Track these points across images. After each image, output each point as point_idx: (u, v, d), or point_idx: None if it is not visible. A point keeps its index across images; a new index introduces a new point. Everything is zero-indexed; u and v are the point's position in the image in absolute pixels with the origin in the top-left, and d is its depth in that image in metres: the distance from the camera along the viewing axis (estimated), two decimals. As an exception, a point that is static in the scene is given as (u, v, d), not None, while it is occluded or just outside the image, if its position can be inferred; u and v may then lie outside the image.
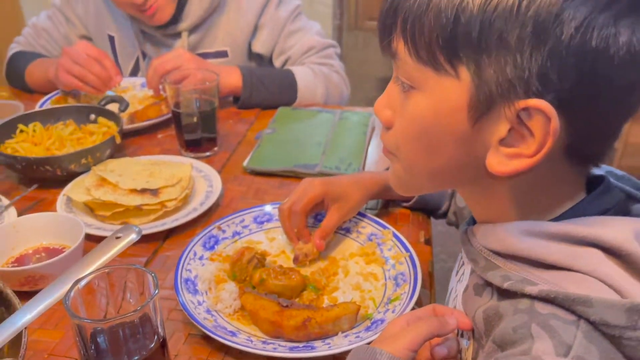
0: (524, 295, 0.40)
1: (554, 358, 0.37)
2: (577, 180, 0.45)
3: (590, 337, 0.37)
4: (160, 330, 0.47)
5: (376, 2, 3.97)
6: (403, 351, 0.46)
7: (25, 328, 0.46)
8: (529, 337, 0.38)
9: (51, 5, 1.25)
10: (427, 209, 0.81)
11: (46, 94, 1.14)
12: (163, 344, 0.47)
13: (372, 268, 0.68)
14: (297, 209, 0.70)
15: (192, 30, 1.18)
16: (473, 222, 0.51)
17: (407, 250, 0.68)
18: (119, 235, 0.53)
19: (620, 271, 0.40)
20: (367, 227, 0.74)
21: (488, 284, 0.45)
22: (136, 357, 0.45)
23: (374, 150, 0.98)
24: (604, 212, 0.44)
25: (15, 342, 0.46)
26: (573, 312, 0.38)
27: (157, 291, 0.45)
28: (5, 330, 0.46)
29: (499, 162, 0.41)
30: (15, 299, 0.49)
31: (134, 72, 1.24)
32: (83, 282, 0.45)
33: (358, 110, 1.12)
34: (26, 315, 0.46)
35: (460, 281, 0.53)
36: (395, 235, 0.71)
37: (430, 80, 0.42)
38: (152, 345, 0.46)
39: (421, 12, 0.41)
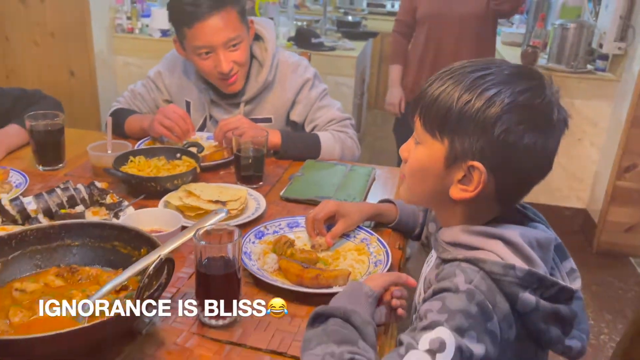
0: (456, 259, 0.75)
1: (463, 283, 0.70)
2: (501, 207, 0.79)
3: (484, 278, 0.71)
4: (237, 262, 0.84)
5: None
6: (376, 288, 0.84)
7: (163, 257, 0.84)
8: (453, 275, 0.72)
9: (146, 77, 1.72)
10: (403, 231, 1.19)
11: (138, 139, 1.58)
12: (238, 271, 0.85)
13: (361, 257, 1.05)
14: (317, 217, 1.08)
15: (248, 101, 1.62)
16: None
17: (384, 247, 1.06)
18: (217, 213, 0.92)
19: (507, 251, 0.74)
20: (362, 234, 1.12)
21: (442, 261, 0.79)
22: (224, 271, 0.83)
23: (372, 191, 1.37)
24: (512, 222, 0.78)
25: (160, 269, 0.82)
26: (477, 266, 0.72)
27: (238, 238, 0.83)
28: (150, 257, 0.84)
29: (456, 192, 0.77)
30: (158, 241, 0.87)
31: (201, 129, 1.68)
32: (202, 230, 0.83)
33: (364, 166, 1.52)
34: (165, 249, 0.85)
35: (428, 264, 0.90)
36: (378, 239, 1.09)
37: (429, 141, 0.78)
38: (234, 269, 0.84)
39: (430, 105, 0.76)
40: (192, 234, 0.85)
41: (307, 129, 1.64)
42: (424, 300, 0.74)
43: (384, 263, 1.02)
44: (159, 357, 0.78)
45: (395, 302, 0.88)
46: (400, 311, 0.88)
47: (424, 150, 0.79)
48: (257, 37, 1.62)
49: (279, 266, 0.98)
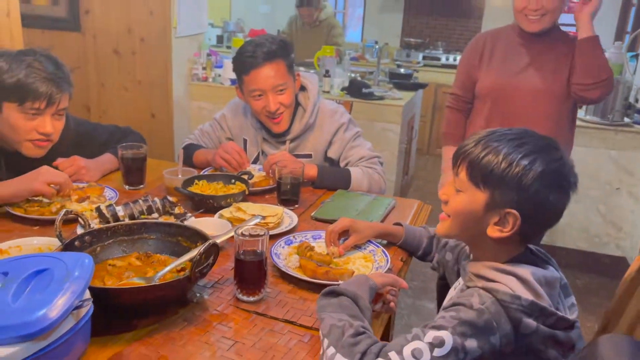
0: (476, 286, 0.96)
1: (477, 303, 0.90)
2: (522, 246, 1.01)
3: (494, 303, 0.90)
4: (264, 255, 1.13)
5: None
6: (378, 283, 1.10)
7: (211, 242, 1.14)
8: (471, 296, 0.93)
9: (213, 118, 2.10)
10: (408, 250, 1.44)
11: (203, 168, 1.93)
12: (265, 262, 1.14)
13: (367, 263, 1.31)
14: (334, 230, 1.36)
15: (293, 140, 1.95)
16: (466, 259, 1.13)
17: (386, 256, 1.31)
18: (254, 217, 1.22)
19: (519, 285, 0.93)
20: (371, 246, 1.38)
21: (467, 287, 0.99)
22: (255, 260, 1.12)
23: (390, 217, 1.64)
24: (526, 262, 0.98)
25: (208, 252, 1.13)
26: (491, 294, 0.92)
27: (267, 234, 1.12)
28: (204, 245, 1.15)
29: (493, 232, 0.97)
30: (209, 237, 1.18)
31: (255, 161, 2.01)
32: (241, 229, 1.14)
33: (387, 197, 1.79)
34: (216, 239, 1.15)
35: (454, 288, 1.14)
36: (383, 251, 1.35)
37: (471, 190, 0.98)
38: (262, 259, 1.13)
39: (476, 163, 0.97)
40: (234, 231, 1.15)
41: (341, 164, 1.94)
42: (443, 309, 0.97)
43: (383, 269, 1.27)
44: (204, 317, 1.08)
45: (390, 297, 1.14)
46: (392, 305, 1.14)
47: (466, 197, 1.00)
48: (303, 88, 1.96)
49: (299, 264, 1.26)
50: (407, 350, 0.88)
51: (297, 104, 1.94)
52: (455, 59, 5.62)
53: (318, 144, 1.95)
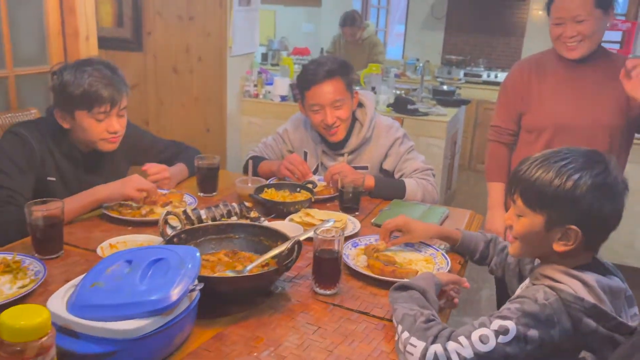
0: (542, 285, 1.04)
1: (541, 298, 0.99)
2: (588, 253, 1.09)
3: (557, 300, 0.99)
4: (339, 253, 1.27)
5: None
6: (442, 280, 1.22)
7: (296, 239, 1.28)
8: (536, 291, 1.01)
9: (275, 132, 2.26)
10: (464, 253, 1.54)
11: (266, 179, 2.09)
12: (340, 259, 1.27)
13: (428, 265, 1.43)
14: (387, 226, 1.46)
15: (350, 153, 2.09)
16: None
17: (446, 259, 1.43)
18: (328, 221, 1.37)
19: (583, 290, 1.01)
20: (430, 250, 1.50)
21: (533, 285, 1.08)
22: (331, 257, 1.25)
23: (444, 226, 1.76)
24: (593, 271, 1.06)
25: (292, 248, 1.27)
26: (555, 292, 1.00)
27: (342, 234, 1.26)
28: (285, 244, 1.29)
29: (559, 247, 1.05)
30: (289, 236, 1.32)
31: (314, 172, 2.16)
32: (319, 229, 1.28)
33: (440, 207, 1.91)
34: (295, 238, 1.29)
35: (521, 288, 1.23)
36: (443, 254, 1.46)
37: (530, 214, 1.07)
38: (337, 257, 1.26)
39: (528, 189, 1.07)
40: (313, 231, 1.30)
41: (396, 176, 2.07)
42: (509, 301, 1.07)
43: (444, 271, 1.39)
44: (286, 306, 1.22)
45: (452, 294, 1.26)
46: (455, 301, 1.26)
47: (526, 221, 1.10)
48: (360, 105, 2.10)
49: (367, 263, 1.39)
50: (475, 335, 1.00)
51: (355, 118, 2.09)
52: (496, 76, 5.69)
53: (374, 156, 2.09)
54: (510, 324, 0.99)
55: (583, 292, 1.01)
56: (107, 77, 1.70)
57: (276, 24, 6.75)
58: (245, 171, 2.18)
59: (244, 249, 1.38)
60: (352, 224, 1.67)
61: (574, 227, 1.04)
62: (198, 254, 1.09)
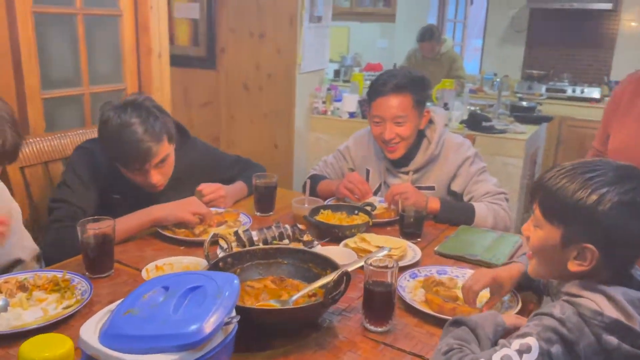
0: (560, 300, 0.97)
1: (557, 313, 0.92)
2: (611, 274, 0.98)
3: (575, 314, 0.92)
4: (393, 286, 1.15)
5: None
6: (508, 322, 1.06)
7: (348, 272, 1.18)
8: (553, 306, 0.95)
9: (336, 150, 2.18)
10: (542, 291, 1.37)
11: (326, 198, 2.01)
12: (394, 293, 1.16)
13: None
14: (474, 289, 1.25)
15: (416, 171, 1.97)
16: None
17: (516, 296, 1.27)
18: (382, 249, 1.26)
19: (608, 305, 0.93)
20: (498, 285, 1.35)
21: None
22: (383, 291, 1.14)
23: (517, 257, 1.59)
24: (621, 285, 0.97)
25: (340, 279, 1.18)
26: (573, 306, 0.93)
27: (396, 265, 1.15)
28: (333, 274, 1.20)
29: (574, 267, 0.98)
30: (339, 265, 1.23)
31: (376, 192, 2.06)
32: (371, 259, 1.17)
33: (514, 235, 1.74)
34: (345, 268, 1.20)
35: (547, 304, 1.11)
36: (513, 291, 1.30)
37: (547, 226, 1.00)
38: (390, 290, 1.15)
39: (548, 198, 0.99)
40: (364, 261, 1.19)
41: (465, 198, 1.92)
42: (528, 320, 0.97)
43: (514, 310, 1.23)
44: (332, 342, 1.12)
45: None
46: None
47: (542, 233, 1.01)
48: (429, 121, 1.98)
49: (425, 298, 1.26)
50: (496, 357, 0.89)
51: (423, 135, 1.97)
52: (582, 92, 5.31)
53: (442, 176, 1.95)
54: (531, 340, 0.89)
55: (606, 307, 0.91)
56: (137, 140, 1.60)
57: (349, 40, 6.73)
58: (305, 190, 2.11)
59: (292, 276, 1.30)
60: (412, 251, 1.55)
61: (590, 246, 0.94)
62: (237, 282, 1.02)
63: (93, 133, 2.17)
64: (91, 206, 1.70)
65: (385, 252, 1.33)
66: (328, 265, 1.25)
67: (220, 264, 1.24)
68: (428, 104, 1.99)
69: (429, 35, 4.76)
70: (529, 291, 1.36)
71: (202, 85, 4.02)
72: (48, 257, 1.55)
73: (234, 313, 1.00)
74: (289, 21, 3.66)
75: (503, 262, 1.51)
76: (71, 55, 2.41)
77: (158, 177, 1.70)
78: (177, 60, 3.91)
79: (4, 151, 1.25)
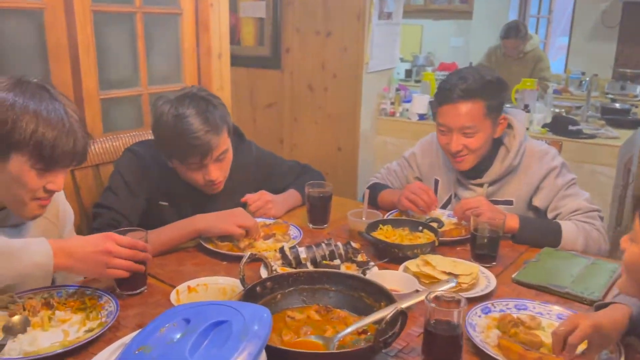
0: None
1: None
2: None
3: None
4: (460, 328, 0.95)
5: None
6: None
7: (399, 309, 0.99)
8: None
9: (401, 157, 1.97)
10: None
11: (388, 210, 1.81)
12: (461, 336, 0.95)
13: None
14: (571, 342, 0.95)
15: (492, 183, 1.72)
16: None
17: (618, 346, 1.02)
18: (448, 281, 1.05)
19: None
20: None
21: None
22: (448, 334, 0.94)
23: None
24: None
25: (395, 319, 0.98)
26: None
27: (465, 303, 0.94)
28: (388, 309, 1.00)
29: None
30: (395, 298, 1.03)
31: (445, 206, 1.83)
32: (433, 294, 0.97)
33: (610, 261, 1.46)
34: (400, 304, 1.00)
35: None
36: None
37: None
38: (457, 334, 0.94)
39: None
40: (424, 296, 0.99)
41: (549, 216, 1.65)
42: None
43: (616, 361, 0.99)
44: (385, 394, 0.93)
45: None
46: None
47: (636, 249, 0.90)
48: (508, 126, 1.73)
49: (499, 343, 1.04)
50: None
51: (500, 142, 1.72)
52: (686, 91, 4.73)
53: (522, 189, 1.70)
54: None
55: None
56: (195, 131, 1.49)
57: (422, 38, 6.44)
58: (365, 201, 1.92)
59: (340, 306, 1.12)
60: (485, 279, 1.32)
61: None
62: (267, 316, 0.85)
63: (147, 135, 2.10)
64: (136, 213, 1.61)
65: (451, 286, 1.11)
66: (382, 296, 1.06)
67: (258, 288, 1.09)
68: (507, 105, 1.73)
69: (514, 32, 4.37)
70: (633, 337, 1.10)
71: (266, 86, 3.92)
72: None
73: (263, 356, 0.83)
74: (357, 18, 3.47)
75: (598, 296, 1.26)
76: (130, 55, 2.36)
77: (217, 173, 1.58)
78: (243, 61, 3.85)
79: (74, 152, 1.18)
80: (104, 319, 1.10)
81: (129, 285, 1.24)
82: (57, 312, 1.11)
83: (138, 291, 1.25)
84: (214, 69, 2.65)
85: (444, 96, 1.65)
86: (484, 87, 1.61)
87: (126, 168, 1.63)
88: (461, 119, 1.62)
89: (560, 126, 3.26)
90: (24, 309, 1.11)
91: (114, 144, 1.95)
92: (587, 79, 4.86)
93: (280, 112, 3.92)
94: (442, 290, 1.03)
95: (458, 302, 0.97)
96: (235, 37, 3.91)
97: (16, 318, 1.07)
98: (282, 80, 3.87)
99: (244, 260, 1.11)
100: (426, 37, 6.43)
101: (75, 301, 1.15)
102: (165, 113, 1.53)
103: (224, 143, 1.57)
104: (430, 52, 6.20)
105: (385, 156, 3.81)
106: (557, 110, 3.71)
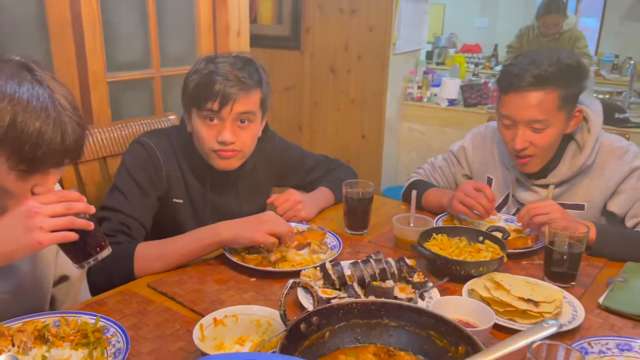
0: None
1: None
2: None
3: None
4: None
5: None
6: None
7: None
8: None
9: (448, 151, 1.74)
10: None
11: (434, 213, 1.58)
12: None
13: None
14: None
15: (559, 185, 1.49)
16: None
17: None
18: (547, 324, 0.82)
19: None
20: None
21: None
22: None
23: None
24: None
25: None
26: None
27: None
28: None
29: None
30: (479, 343, 0.81)
31: (500, 208, 1.59)
32: (536, 344, 0.75)
33: None
34: (493, 354, 0.78)
35: None
36: None
37: None
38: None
39: None
40: (521, 343, 0.76)
41: (629, 224, 1.42)
42: None
43: None
44: None
45: None
46: None
47: None
48: (583, 119, 1.48)
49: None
50: None
51: (570, 137, 1.48)
52: None
53: (595, 192, 1.46)
54: None
55: None
56: (228, 69, 1.35)
57: (444, 19, 6.13)
58: (406, 200, 1.69)
59: (404, 347, 0.89)
60: (570, 306, 1.09)
61: None
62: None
63: (161, 123, 1.88)
64: (147, 214, 1.40)
65: (553, 331, 0.88)
66: (461, 339, 0.84)
67: (303, 326, 0.86)
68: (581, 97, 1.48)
69: (555, 7, 4.03)
70: None
71: (285, 68, 3.67)
72: (92, 282, 1.26)
73: None
74: (384, -6, 3.21)
75: None
76: (140, 33, 2.13)
77: (233, 138, 1.37)
78: (260, 41, 3.59)
79: (64, 148, 0.94)
80: (112, 359, 0.89)
81: (84, 251, 0.95)
82: (53, 349, 0.90)
83: (99, 256, 0.96)
84: (232, 48, 2.41)
85: (510, 82, 1.40)
86: (560, 73, 1.36)
87: (135, 162, 1.42)
88: (530, 110, 1.37)
89: (605, 114, 2.99)
90: (13, 344, 0.90)
91: (123, 132, 1.73)
92: (632, 62, 4.51)
93: (300, 96, 3.67)
94: (543, 337, 0.80)
95: (565, 351, 0.74)
96: (251, 14, 3.65)
97: (2, 358, 0.86)
98: (301, 61, 3.61)
99: (285, 291, 0.89)
100: (448, 17, 6.13)
101: (75, 334, 0.94)
102: (207, 59, 1.41)
103: (251, 104, 1.38)
104: (453, 33, 5.90)
105: (411, 144, 3.57)
106: (599, 96, 3.43)
